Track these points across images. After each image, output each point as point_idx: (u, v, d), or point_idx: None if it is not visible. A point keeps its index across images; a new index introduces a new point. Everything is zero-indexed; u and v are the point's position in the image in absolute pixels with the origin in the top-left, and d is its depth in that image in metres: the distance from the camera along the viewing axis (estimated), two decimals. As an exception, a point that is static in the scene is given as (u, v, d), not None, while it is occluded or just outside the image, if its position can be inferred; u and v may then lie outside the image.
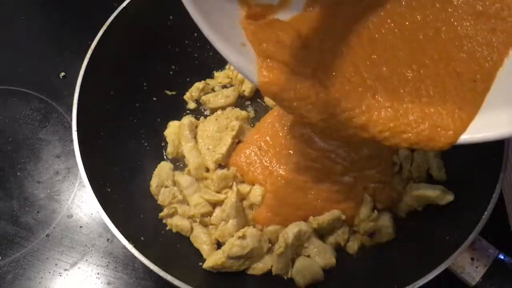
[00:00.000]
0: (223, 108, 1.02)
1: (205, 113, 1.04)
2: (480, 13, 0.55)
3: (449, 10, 0.57)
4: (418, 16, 0.58)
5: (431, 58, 0.56)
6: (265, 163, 0.90)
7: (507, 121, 0.52)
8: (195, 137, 0.97)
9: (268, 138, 0.93)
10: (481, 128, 0.54)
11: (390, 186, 0.88)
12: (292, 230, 0.81)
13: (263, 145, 0.92)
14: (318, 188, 0.86)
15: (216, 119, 0.99)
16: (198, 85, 1.04)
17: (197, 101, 1.05)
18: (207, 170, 0.94)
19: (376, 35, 0.58)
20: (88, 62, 0.85)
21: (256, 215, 0.88)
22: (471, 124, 0.54)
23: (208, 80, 1.07)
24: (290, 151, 0.89)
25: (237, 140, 0.96)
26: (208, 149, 0.95)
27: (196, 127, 0.99)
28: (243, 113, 0.99)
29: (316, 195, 0.86)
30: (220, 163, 0.94)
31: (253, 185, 0.90)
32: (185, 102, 1.05)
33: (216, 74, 1.08)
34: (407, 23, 0.58)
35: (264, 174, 0.89)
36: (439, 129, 0.55)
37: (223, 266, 0.80)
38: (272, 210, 0.86)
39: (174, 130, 0.98)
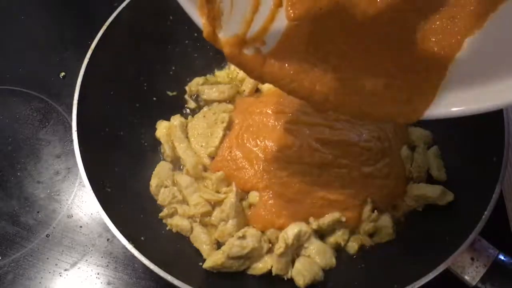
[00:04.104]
0: (214, 102, 1.02)
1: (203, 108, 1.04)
2: (440, 4, 0.55)
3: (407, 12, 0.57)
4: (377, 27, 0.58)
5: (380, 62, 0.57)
6: (249, 172, 0.89)
7: (469, 100, 0.54)
8: (187, 137, 0.98)
9: (246, 135, 0.92)
10: (442, 106, 0.55)
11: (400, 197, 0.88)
12: (292, 230, 0.81)
13: (241, 144, 0.92)
14: (314, 196, 0.85)
15: (204, 116, 0.99)
16: (198, 80, 1.05)
17: (196, 98, 1.05)
18: (205, 168, 0.94)
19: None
20: (88, 62, 0.85)
21: (251, 220, 0.87)
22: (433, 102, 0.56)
23: (208, 77, 1.07)
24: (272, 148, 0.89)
25: (229, 132, 0.96)
26: (201, 146, 0.95)
27: (186, 126, 0.99)
28: (230, 106, 1.00)
29: (311, 204, 0.85)
30: (213, 156, 0.94)
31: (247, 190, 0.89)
32: (185, 102, 1.05)
33: (216, 73, 1.08)
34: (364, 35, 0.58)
35: (252, 182, 0.88)
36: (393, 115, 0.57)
37: (223, 266, 0.80)
38: (263, 221, 0.85)
39: (165, 131, 0.97)
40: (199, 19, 0.56)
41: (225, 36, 0.56)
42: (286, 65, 0.56)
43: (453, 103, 0.55)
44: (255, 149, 0.90)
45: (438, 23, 0.54)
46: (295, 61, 0.56)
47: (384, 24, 0.55)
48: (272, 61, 0.57)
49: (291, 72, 0.56)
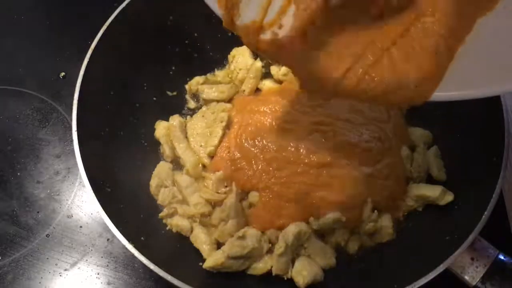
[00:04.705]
0: (213, 101, 1.02)
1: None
2: None
3: None
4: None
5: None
6: (248, 172, 0.88)
7: (477, 83, 0.53)
8: (186, 137, 0.98)
9: (244, 135, 0.92)
10: (451, 87, 0.55)
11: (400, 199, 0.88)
12: (292, 230, 0.81)
13: (239, 144, 0.91)
14: (314, 196, 0.85)
15: (202, 116, 0.99)
16: (199, 79, 1.05)
17: (197, 98, 1.05)
18: (205, 168, 0.94)
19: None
20: (88, 62, 0.85)
21: (251, 220, 0.87)
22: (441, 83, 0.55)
23: (208, 76, 1.07)
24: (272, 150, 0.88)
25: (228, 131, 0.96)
26: (201, 146, 0.95)
27: (185, 126, 0.99)
28: (228, 105, 1.00)
29: (311, 204, 0.84)
30: (213, 155, 0.94)
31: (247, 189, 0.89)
32: (185, 102, 1.05)
33: (217, 72, 1.08)
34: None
35: (252, 182, 0.88)
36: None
37: (223, 266, 0.80)
38: (263, 221, 0.85)
39: (164, 132, 0.97)
40: (218, 10, 0.57)
41: (242, 23, 0.56)
42: (303, 48, 0.56)
43: (461, 86, 0.54)
44: (253, 149, 0.90)
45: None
46: (311, 44, 0.56)
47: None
48: (289, 44, 0.57)
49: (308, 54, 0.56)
